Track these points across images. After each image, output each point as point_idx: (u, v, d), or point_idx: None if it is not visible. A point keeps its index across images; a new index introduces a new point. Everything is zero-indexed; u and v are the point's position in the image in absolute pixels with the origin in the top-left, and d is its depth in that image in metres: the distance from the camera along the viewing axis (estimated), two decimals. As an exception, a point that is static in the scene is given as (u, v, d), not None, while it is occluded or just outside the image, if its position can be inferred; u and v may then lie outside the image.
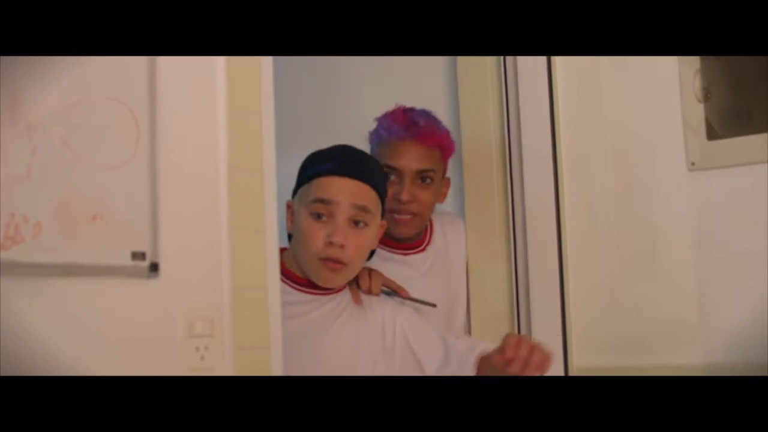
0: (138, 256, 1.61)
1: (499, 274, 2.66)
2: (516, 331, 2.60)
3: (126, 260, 1.60)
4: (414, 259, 2.63)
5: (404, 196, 2.50)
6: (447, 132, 2.62)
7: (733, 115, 2.46)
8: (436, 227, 2.70)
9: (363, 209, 2.17)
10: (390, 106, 2.66)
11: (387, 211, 2.36)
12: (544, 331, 2.52)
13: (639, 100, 2.52)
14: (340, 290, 2.28)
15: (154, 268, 1.64)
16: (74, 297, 1.53)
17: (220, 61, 1.80)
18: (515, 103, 2.66)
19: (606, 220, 2.55)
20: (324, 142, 2.32)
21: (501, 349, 2.03)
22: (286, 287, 2.18)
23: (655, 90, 2.48)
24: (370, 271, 2.37)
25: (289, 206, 2.25)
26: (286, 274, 2.19)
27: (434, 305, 2.44)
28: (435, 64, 3.00)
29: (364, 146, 2.52)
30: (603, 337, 2.52)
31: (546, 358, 2.04)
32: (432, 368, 2.25)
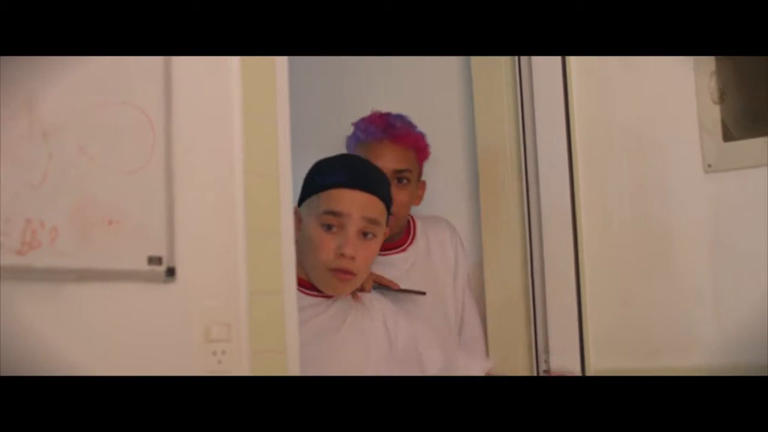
0: (154, 260, 1.61)
1: (514, 276, 2.66)
2: (532, 333, 2.60)
3: (142, 265, 1.60)
4: (395, 258, 2.66)
5: None
6: (422, 135, 2.69)
7: (749, 117, 2.45)
8: (419, 229, 2.75)
9: (373, 222, 2.21)
10: (405, 108, 2.68)
11: None
12: (561, 333, 2.52)
13: (654, 101, 2.51)
14: None
15: (171, 272, 1.64)
16: (91, 302, 1.53)
17: (234, 65, 1.80)
18: (530, 104, 2.66)
19: (621, 222, 2.55)
20: (339, 145, 2.33)
21: None
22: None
23: (671, 92, 2.47)
24: None
25: (296, 213, 2.25)
26: None
27: (424, 293, 2.55)
28: (450, 65, 2.99)
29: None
30: (619, 338, 2.51)
31: None
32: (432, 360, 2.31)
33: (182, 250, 1.66)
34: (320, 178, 2.23)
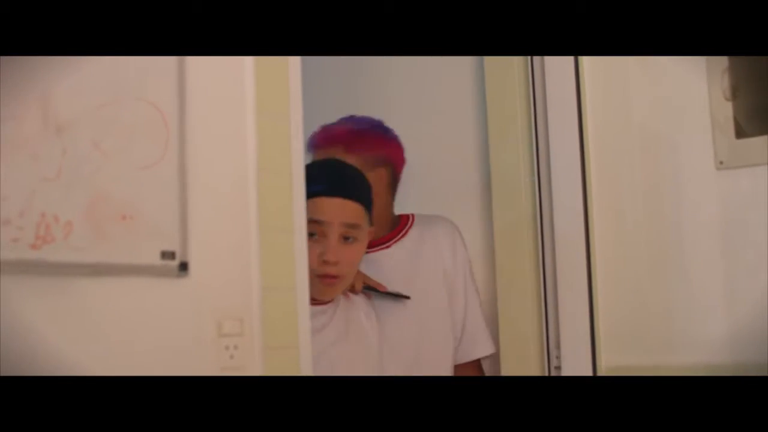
0: (167, 255, 1.63)
1: (526, 274, 2.66)
2: (544, 331, 2.60)
3: (155, 260, 1.61)
4: (378, 255, 2.65)
5: None
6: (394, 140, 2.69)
7: (762, 114, 2.44)
8: (414, 228, 2.73)
9: (353, 226, 2.28)
10: (416, 108, 2.68)
11: None
12: (573, 331, 2.52)
13: (666, 98, 2.51)
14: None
15: (184, 267, 1.65)
16: (104, 296, 1.54)
17: (248, 62, 1.81)
18: (542, 103, 2.65)
19: (634, 220, 2.54)
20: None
21: None
22: None
23: (682, 89, 2.47)
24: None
25: None
26: None
27: (408, 297, 2.56)
28: (462, 65, 3.00)
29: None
30: (631, 336, 2.51)
31: None
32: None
33: (195, 245, 1.67)
34: None
